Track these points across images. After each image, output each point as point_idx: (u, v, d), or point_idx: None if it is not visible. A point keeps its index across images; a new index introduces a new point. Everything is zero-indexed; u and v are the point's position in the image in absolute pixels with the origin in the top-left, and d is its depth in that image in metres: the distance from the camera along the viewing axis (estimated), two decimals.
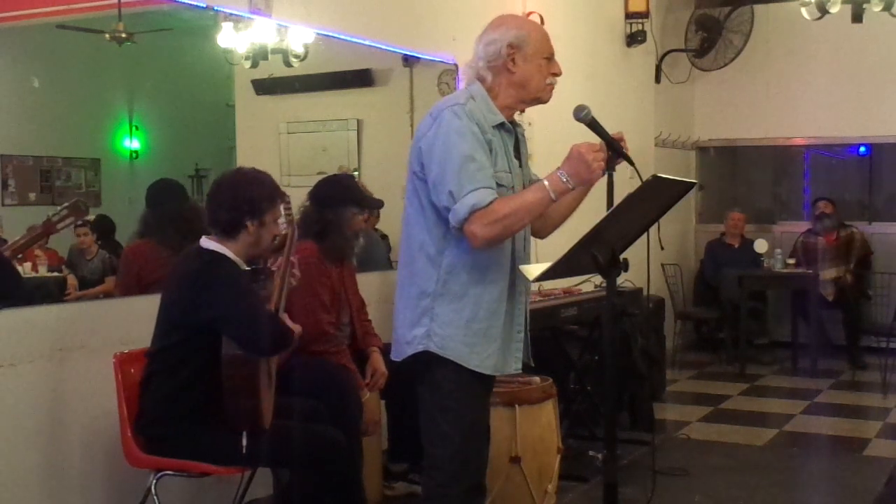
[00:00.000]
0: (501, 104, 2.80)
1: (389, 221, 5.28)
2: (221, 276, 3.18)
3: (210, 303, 3.12)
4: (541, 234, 2.99)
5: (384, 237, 5.59)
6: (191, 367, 3.18)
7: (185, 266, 3.27)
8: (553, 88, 2.87)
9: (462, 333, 2.75)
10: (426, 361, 2.78)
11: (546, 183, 2.68)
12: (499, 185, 2.70)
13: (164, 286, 3.34)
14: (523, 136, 2.94)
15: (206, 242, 3.28)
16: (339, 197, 4.18)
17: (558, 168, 2.69)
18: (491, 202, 2.63)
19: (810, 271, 8.04)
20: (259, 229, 3.28)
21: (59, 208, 3.54)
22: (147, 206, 4.33)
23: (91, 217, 5.37)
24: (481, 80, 2.81)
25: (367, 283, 4.59)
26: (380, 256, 5.34)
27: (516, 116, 2.91)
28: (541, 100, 2.86)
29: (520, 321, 2.90)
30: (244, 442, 3.14)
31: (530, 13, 5.90)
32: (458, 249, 2.73)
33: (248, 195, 3.26)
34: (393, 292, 2.92)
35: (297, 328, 3.33)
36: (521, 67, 2.79)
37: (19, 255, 3.56)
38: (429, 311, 2.76)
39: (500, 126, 2.78)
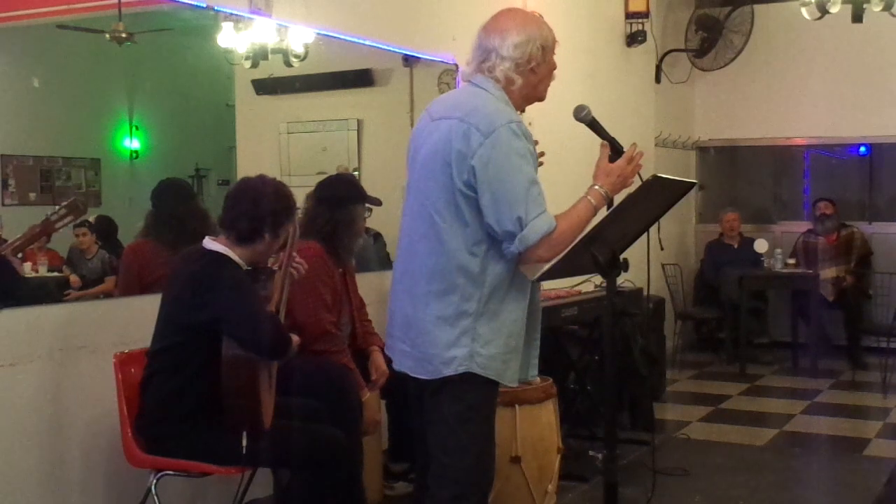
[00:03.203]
0: (514, 107, 2.75)
1: (389, 221, 5.27)
2: (224, 277, 3.19)
3: (213, 303, 3.12)
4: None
5: (378, 235, 5.57)
6: (191, 368, 3.18)
7: (187, 266, 3.27)
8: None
9: (502, 351, 2.71)
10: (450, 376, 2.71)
11: (591, 199, 2.67)
12: None
13: (165, 286, 3.34)
14: None
15: (210, 243, 3.28)
16: (350, 196, 4.19)
17: (595, 184, 2.68)
18: (556, 226, 2.60)
19: (810, 271, 8.04)
20: (273, 242, 3.32)
21: (57, 207, 3.52)
22: (153, 205, 4.32)
23: (91, 217, 5.37)
24: (509, 82, 2.71)
25: (366, 284, 4.59)
26: (371, 257, 5.33)
27: None
28: (540, 98, 2.83)
29: (537, 328, 2.89)
30: (244, 442, 3.13)
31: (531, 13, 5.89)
32: (500, 267, 2.67)
33: (272, 208, 3.28)
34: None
35: (295, 339, 3.34)
36: (542, 69, 2.74)
37: (20, 254, 3.54)
38: (470, 331, 2.66)
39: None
